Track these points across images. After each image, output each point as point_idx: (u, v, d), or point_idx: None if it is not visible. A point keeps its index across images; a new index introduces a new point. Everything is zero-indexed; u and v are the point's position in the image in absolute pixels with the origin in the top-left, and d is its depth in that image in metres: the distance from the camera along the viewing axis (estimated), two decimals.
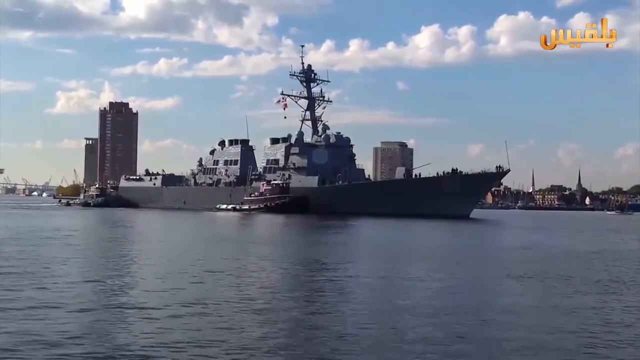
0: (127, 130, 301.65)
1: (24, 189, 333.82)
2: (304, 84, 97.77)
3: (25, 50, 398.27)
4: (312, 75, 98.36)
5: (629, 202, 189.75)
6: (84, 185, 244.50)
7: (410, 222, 59.62)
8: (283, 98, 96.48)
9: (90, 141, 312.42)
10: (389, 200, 78.47)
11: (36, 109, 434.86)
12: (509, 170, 79.11)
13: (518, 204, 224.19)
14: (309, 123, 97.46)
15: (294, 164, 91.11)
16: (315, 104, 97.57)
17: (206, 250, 28.15)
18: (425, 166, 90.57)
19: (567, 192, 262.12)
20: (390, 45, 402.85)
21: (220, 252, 27.40)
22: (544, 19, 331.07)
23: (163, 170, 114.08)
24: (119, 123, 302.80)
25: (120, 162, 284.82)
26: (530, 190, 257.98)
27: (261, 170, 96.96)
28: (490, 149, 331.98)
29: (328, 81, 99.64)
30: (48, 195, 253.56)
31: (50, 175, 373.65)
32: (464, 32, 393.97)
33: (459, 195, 76.84)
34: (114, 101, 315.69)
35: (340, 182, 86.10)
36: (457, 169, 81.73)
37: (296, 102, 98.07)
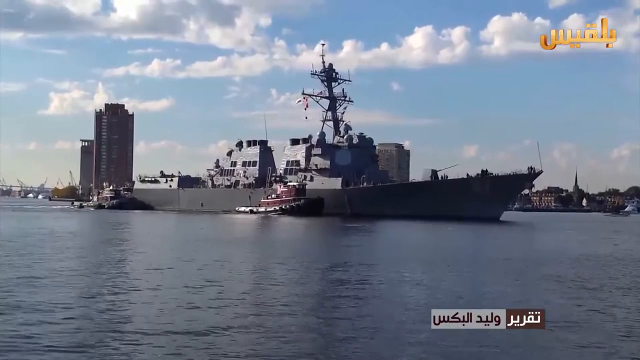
0: (123, 131, 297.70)
1: (19, 191, 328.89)
2: (325, 83, 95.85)
3: (16, 51, 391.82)
4: (334, 74, 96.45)
5: (625, 204, 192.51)
6: (80, 186, 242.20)
7: (443, 225, 56.98)
8: (304, 98, 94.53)
9: (86, 143, 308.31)
10: (416, 202, 76.89)
11: (29, 110, 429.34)
12: (541, 172, 77.58)
13: (515, 206, 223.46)
14: (330, 123, 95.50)
15: (316, 165, 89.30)
16: (337, 104, 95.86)
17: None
18: (453, 167, 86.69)
19: (563, 194, 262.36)
20: (384, 46, 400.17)
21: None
22: (538, 19, 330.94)
23: (179, 172, 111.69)
24: (114, 125, 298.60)
25: (115, 164, 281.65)
26: (527, 192, 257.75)
27: (281, 171, 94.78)
28: (486, 150, 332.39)
29: (349, 80, 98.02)
30: (44, 197, 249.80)
31: (45, 177, 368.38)
32: (457, 32, 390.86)
33: (489, 197, 75.53)
34: (108, 102, 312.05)
35: (365, 183, 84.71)
36: (486, 170, 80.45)
37: (317, 101, 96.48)
